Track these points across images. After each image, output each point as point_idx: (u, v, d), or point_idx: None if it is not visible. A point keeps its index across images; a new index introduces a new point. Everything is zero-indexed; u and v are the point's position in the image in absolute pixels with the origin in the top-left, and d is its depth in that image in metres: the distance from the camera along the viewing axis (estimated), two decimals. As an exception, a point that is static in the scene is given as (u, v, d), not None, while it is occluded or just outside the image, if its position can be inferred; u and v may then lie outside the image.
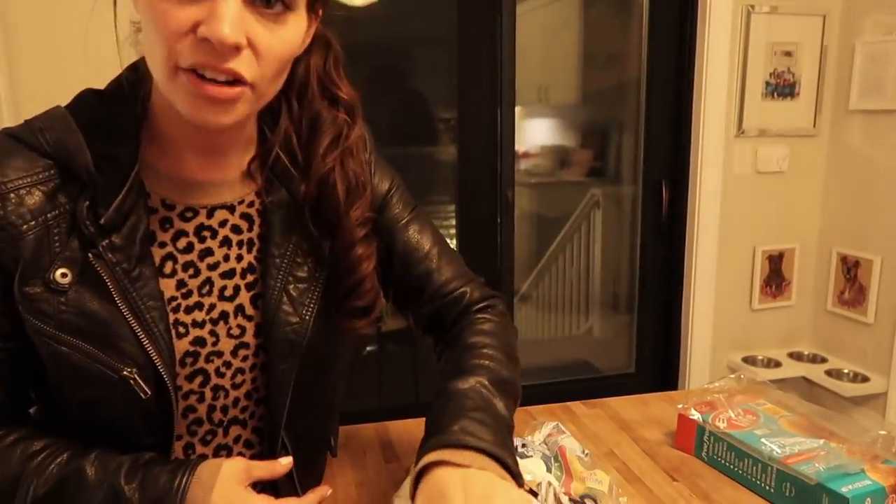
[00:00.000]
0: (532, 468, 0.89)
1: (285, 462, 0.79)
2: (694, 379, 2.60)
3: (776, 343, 2.63)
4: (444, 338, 0.90)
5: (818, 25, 2.44)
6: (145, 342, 0.69)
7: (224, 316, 0.76)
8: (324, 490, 0.84)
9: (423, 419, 1.18)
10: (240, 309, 0.77)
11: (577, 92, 3.66)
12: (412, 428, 1.15)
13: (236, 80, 0.63)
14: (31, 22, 1.83)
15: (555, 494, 0.84)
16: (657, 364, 2.73)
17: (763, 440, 0.93)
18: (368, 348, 2.62)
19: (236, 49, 0.61)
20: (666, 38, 2.54)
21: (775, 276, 2.59)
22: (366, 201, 0.80)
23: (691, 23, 2.45)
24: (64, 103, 0.72)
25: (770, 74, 2.43)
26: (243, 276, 0.77)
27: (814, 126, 2.50)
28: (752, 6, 2.38)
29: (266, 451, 0.83)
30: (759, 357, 2.59)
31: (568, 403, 1.22)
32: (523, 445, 0.94)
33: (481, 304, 0.91)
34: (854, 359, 2.48)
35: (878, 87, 2.31)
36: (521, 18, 2.37)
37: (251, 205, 0.78)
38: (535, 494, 0.83)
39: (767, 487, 0.91)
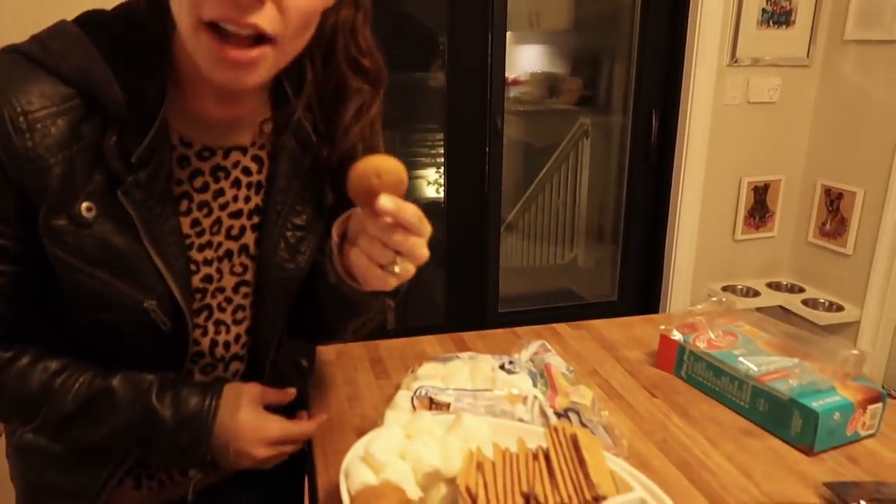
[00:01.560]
0: (519, 383, 0.92)
1: (291, 391, 0.85)
2: (675, 307, 2.66)
3: (757, 273, 2.69)
4: None
5: (818, -50, 2.39)
6: (166, 276, 0.70)
7: (229, 254, 0.78)
8: (322, 416, 0.89)
9: (414, 338, 1.21)
10: (244, 248, 0.79)
11: (569, 18, 3.58)
12: (402, 346, 1.19)
13: (259, 38, 0.61)
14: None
15: (540, 407, 0.88)
16: (640, 292, 2.79)
17: (740, 359, 0.97)
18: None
19: (259, 1, 0.59)
20: (662, -39, 2.48)
21: (759, 208, 2.62)
22: None
23: (689, -55, 2.39)
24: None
25: (767, 1, 2.40)
26: (249, 217, 0.79)
27: (807, 56, 2.48)
28: (752, -71, 2.32)
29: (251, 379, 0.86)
30: (739, 286, 2.65)
31: (553, 325, 1.25)
32: (510, 362, 0.98)
33: None
34: (831, 289, 2.55)
35: (875, 16, 2.28)
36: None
37: (262, 146, 0.79)
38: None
39: (742, 403, 0.95)
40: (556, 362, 0.99)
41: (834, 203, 2.49)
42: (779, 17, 2.42)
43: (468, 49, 2.39)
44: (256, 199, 0.79)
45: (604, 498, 0.67)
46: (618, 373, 1.08)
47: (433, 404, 0.90)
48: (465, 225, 2.55)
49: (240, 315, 0.81)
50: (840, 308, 2.47)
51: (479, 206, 2.54)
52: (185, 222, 0.74)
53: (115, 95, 0.64)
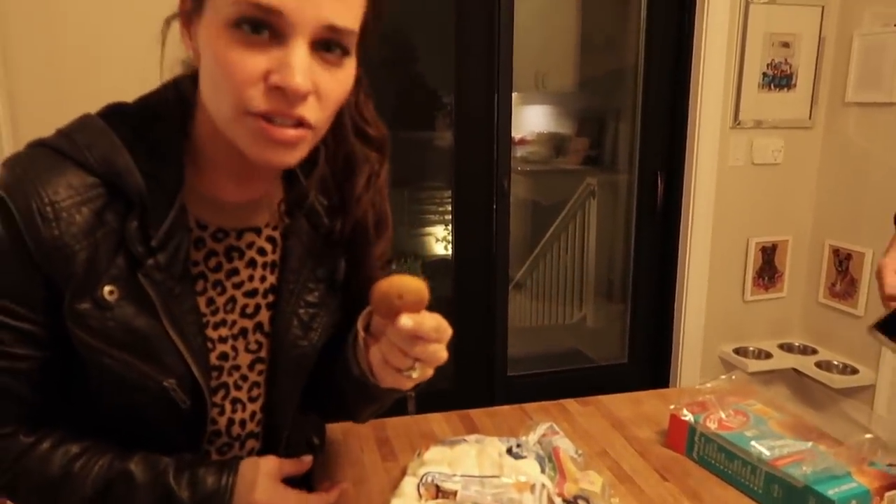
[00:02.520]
0: (527, 469, 0.91)
1: (307, 459, 0.86)
2: (686, 370, 2.63)
3: (768, 334, 2.67)
4: None
5: (816, 16, 2.44)
6: (185, 354, 0.72)
7: (244, 332, 0.80)
8: (345, 485, 0.90)
9: (421, 416, 1.20)
10: (258, 326, 0.81)
11: (574, 79, 3.66)
12: (409, 424, 1.17)
13: (301, 123, 0.64)
14: (31, 34, 1.82)
15: (548, 496, 0.86)
16: (649, 354, 2.77)
17: (753, 442, 0.95)
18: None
19: (306, 96, 0.62)
20: (664, 27, 2.54)
21: (768, 268, 2.61)
22: (388, 237, 0.84)
23: (689, 11, 2.45)
24: (60, 119, 0.72)
25: (767, 65, 2.44)
26: (264, 296, 0.81)
27: (809, 118, 2.51)
28: (751, -3, 2.38)
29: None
30: (751, 348, 2.62)
31: (562, 401, 1.24)
32: (518, 446, 0.96)
33: None
34: (844, 350, 2.52)
35: (875, 79, 2.32)
36: (519, 3, 2.36)
37: (276, 228, 0.81)
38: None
39: (756, 488, 0.93)
40: (565, 445, 0.98)
41: (843, 263, 2.48)
42: (780, 80, 2.46)
43: (475, 109, 2.43)
44: (272, 279, 0.81)
45: None
46: (628, 454, 1.06)
47: (440, 492, 0.88)
48: (473, 283, 2.55)
49: (255, 392, 0.82)
50: (854, 371, 2.44)
51: (487, 265, 2.54)
52: (201, 301, 0.76)
53: (137, 184, 0.67)
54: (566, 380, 2.78)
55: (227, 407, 0.81)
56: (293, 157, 0.67)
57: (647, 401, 1.24)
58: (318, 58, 0.63)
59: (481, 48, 2.37)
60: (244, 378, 0.81)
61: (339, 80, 0.66)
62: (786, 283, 2.63)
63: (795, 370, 2.57)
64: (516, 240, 2.94)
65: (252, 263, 0.79)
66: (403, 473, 1.01)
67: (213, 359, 0.77)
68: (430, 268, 2.83)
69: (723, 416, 1.02)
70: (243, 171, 0.75)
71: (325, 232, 0.81)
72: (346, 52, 0.65)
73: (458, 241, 2.56)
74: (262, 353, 0.82)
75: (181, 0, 0.67)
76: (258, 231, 0.80)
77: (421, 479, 0.90)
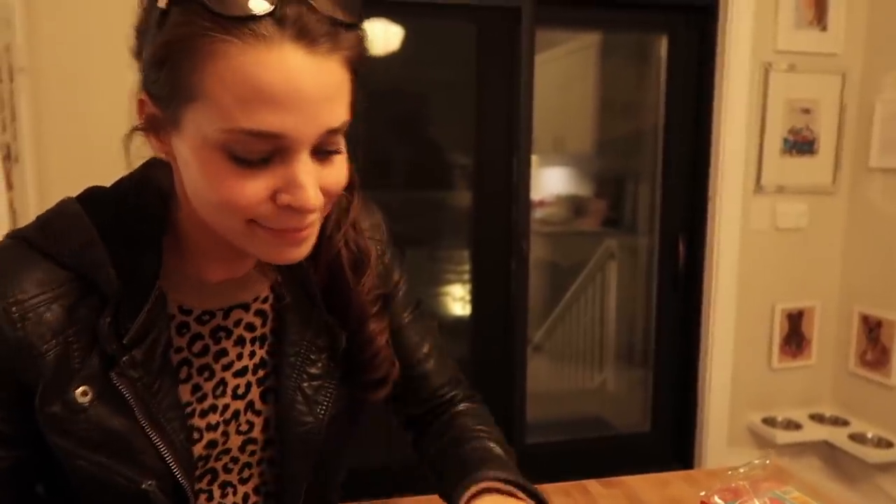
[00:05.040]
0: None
1: None
2: (711, 440, 2.52)
3: (796, 403, 2.56)
4: (426, 433, 0.90)
5: (837, 83, 2.42)
6: (165, 454, 0.67)
7: (236, 415, 0.75)
8: None
9: (434, 496, 1.13)
10: (250, 405, 0.75)
11: (592, 141, 3.66)
12: (420, 505, 1.10)
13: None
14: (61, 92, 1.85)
15: None
16: (673, 423, 2.66)
17: (793, 537, 0.87)
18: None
19: (317, 208, 0.59)
20: (684, 91, 2.53)
21: (795, 335, 2.52)
22: (373, 272, 0.78)
23: (709, 77, 2.44)
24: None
25: (788, 131, 2.41)
26: (255, 372, 0.76)
27: (833, 183, 2.47)
28: (771, 63, 2.37)
29: None
30: (779, 418, 2.51)
31: (583, 482, 1.16)
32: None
33: (465, 398, 0.92)
34: (878, 422, 2.40)
35: (899, 145, 2.28)
36: (539, 67, 2.38)
37: (265, 300, 0.76)
38: None
39: (797, 588, 0.85)
40: (588, 535, 0.90)
41: (873, 331, 2.39)
42: (802, 145, 2.43)
43: (494, 171, 2.43)
44: (261, 353, 0.76)
45: None
46: (655, 544, 0.98)
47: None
48: (492, 346, 2.50)
49: (246, 474, 0.77)
50: (889, 444, 2.31)
51: (506, 327, 2.49)
52: (186, 390, 0.71)
53: (110, 278, 0.63)
54: (587, 450, 2.68)
55: (216, 492, 0.75)
56: (307, 250, 0.64)
57: (674, 483, 1.16)
58: (317, 158, 0.59)
59: (501, 110, 2.38)
60: (235, 460, 0.75)
61: (339, 169, 0.62)
62: (814, 351, 2.54)
63: (827, 443, 2.45)
64: (535, 301, 2.88)
65: (240, 341, 0.74)
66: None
67: (199, 449, 0.72)
68: (448, 328, 2.78)
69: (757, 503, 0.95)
70: (230, 255, 0.71)
71: (312, 288, 0.76)
72: (339, 151, 0.62)
73: (477, 302, 2.52)
74: (254, 434, 0.76)
75: (139, 107, 0.61)
76: (246, 307, 0.75)
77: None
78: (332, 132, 0.58)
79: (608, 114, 3.43)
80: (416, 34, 2.36)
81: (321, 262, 0.74)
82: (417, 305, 0.89)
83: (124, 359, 0.64)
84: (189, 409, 0.71)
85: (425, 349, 0.88)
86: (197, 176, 0.58)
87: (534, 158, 2.46)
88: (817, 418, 2.51)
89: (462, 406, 0.91)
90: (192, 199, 0.63)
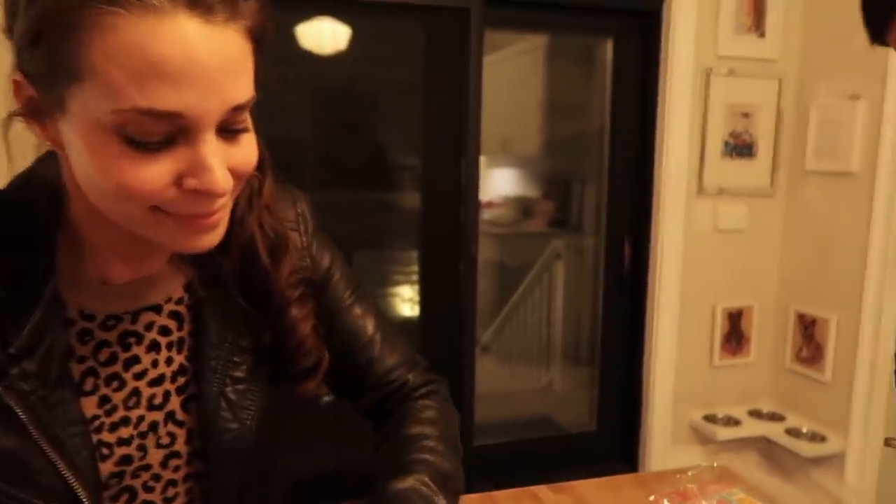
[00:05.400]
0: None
1: None
2: (655, 438, 2.55)
3: (736, 400, 2.61)
4: (383, 425, 0.84)
5: (775, 88, 2.48)
6: (66, 474, 0.60)
7: (153, 426, 0.68)
8: None
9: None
10: (170, 416, 0.68)
11: (540, 143, 3.67)
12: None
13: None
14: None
15: None
16: (619, 422, 2.68)
17: (742, 541, 0.86)
18: (326, 399, 2.52)
19: (227, 191, 0.55)
20: (629, 94, 2.55)
21: (735, 334, 2.57)
22: (291, 258, 0.73)
23: (653, 81, 2.47)
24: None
25: (729, 134, 2.45)
26: (173, 380, 0.69)
27: (771, 185, 2.52)
28: (712, 68, 2.41)
29: None
30: (720, 415, 2.55)
31: (533, 488, 1.14)
32: (487, 546, 0.86)
33: (423, 391, 0.85)
34: (812, 417, 2.46)
35: (833, 148, 2.34)
36: (487, 69, 2.36)
37: (180, 301, 0.70)
38: None
39: (746, 592, 0.84)
40: (539, 545, 0.88)
41: (808, 329, 2.45)
42: (741, 149, 2.48)
43: (442, 172, 2.40)
44: (180, 359, 0.69)
45: None
46: (606, 550, 0.97)
47: None
48: (440, 347, 2.47)
49: (171, 492, 0.70)
50: (823, 438, 2.38)
51: (454, 328, 2.46)
52: (91, 402, 0.64)
53: None
54: (534, 450, 2.67)
55: None
56: (219, 236, 0.59)
57: (623, 486, 1.15)
58: (224, 137, 0.55)
59: (450, 112, 2.35)
60: (156, 478, 0.68)
61: (247, 148, 0.57)
62: (753, 349, 2.59)
63: (765, 438, 2.50)
64: (482, 302, 2.86)
65: (154, 346, 0.68)
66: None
67: (110, 466, 0.65)
68: (396, 330, 2.73)
69: (706, 507, 0.94)
70: (135, 250, 0.65)
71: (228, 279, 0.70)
72: (247, 128, 0.57)
73: (426, 303, 2.49)
74: (177, 447, 0.69)
75: (15, 89, 0.54)
76: (157, 309, 0.68)
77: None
78: (238, 109, 0.54)
79: (555, 116, 3.44)
80: (364, 34, 2.31)
81: (234, 247, 0.68)
82: (357, 289, 0.83)
83: (13, 370, 0.57)
84: (96, 424, 0.64)
85: (368, 334, 0.82)
86: (89, 164, 0.53)
87: (482, 159, 2.43)
88: (756, 414, 2.56)
89: (418, 400, 0.84)
90: (85, 191, 0.56)
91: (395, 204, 2.60)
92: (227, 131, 0.55)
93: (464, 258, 2.41)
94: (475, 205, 2.41)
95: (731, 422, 2.52)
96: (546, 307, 3.29)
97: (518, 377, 3.39)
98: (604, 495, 1.12)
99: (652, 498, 0.97)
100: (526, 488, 1.14)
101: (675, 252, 2.48)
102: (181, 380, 0.69)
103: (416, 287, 2.54)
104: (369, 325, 0.82)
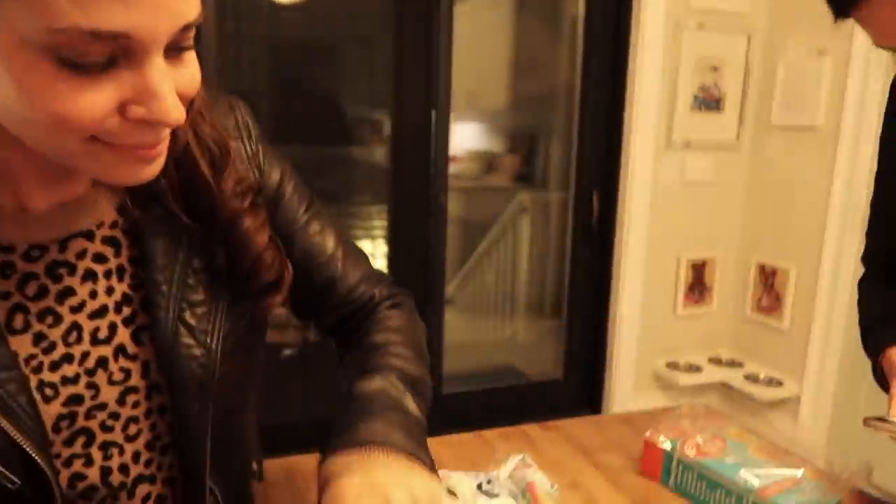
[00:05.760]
0: (503, 509, 0.79)
1: None
2: (619, 386, 2.59)
3: (698, 348, 2.66)
4: (349, 341, 0.80)
5: (743, 43, 2.47)
6: (3, 423, 0.54)
7: (102, 362, 0.61)
8: None
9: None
10: (120, 350, 0.62)
11: (506, 97, 3.62)
12: (359, 457, 1.03)
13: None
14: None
15: (531, 541, 0.75)
16: (584, 370, 2.71)
17: (741, 470, 0.87)
18: (287, 352, 2.49)
19: (179, 120, 0.49)
20: (599, 48, 2.51)
21: (698, 284, 2.61)
22: (234, 168, 0.67)
23: (624, 34, 2.43)
24: None
25: (699, 88, 2.45)
26: (118, 311, 0.62)
27: (737, 139, 2.53)
28: (683, 21, 2.38)
29: (185, 501, 0.68)
30: (682, 362, 2.60)
31: (522, 427, 1.13)
32: (489, 482, 0.85)
33: (388, 303, 0.82)
34: (770, 363, 2.53)
35: (799, 104, 2.36)
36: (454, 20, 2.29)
37: (115, 225, 0.62)
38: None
39: (742, 520, 0.85)
40: (540, 479, 0.87)
41: (769, 279, 2.50)
42: (709, 102, 2.47)
43: (410, 126, 2.34)
44: (122, 288, 0.62)
45: None
46: (601, 485, 0.96)
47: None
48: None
49: (133, 429, 0.63)
50: (780, 383, 2.45)
51: (423, 282, 2.44)
52: (25, 341, 0.58)
53: None
54: (503, 398, 2.69)
55: (97, 455, 0.62)
56: (159, 167, 0.53)
57: (611, 425, 1.15)
58: (169, 58, 0.49)
59: (419, 64, 2.29)
60: (115, 416, 0.62)
61: (193, 67, 0.52)
62: (715, 299, 2.64)
63: (724, 383, 2.57)
64: (448, 255, 2.85)
65: (90, 276, 0.61)
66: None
67: (56, 407, 0.59)
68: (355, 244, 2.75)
69: (700, 441, 0.94)
70: (54, 174, 0.57)
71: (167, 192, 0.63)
72: (191, 47, 0.51)
73: (394, 257, 2.45)
74: (133, 382, 0.62)
75: None
76: (90, 235, 0.61)
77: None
78: (187, 27, 0.48)
79: (522, 71, 3.38)
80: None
81: (169, 160, 0.60)
82: (311, 204, 0.77)
83: None
84: (33, 364, 0.58)
85: (329, 251, 0.77)
86: (12, 88, 0.45)
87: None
88: (716, 361, 2.62)
89: (384, 311, 0.80)
90: (1, 119, 0.49)
91: (359, 159, 2.55)
92: (173, 50, 0.49)
93: (433, 211, 2.38)
94: (445, 159, 2.36)
95: (693, 368, 2.57)
96: (511, 260, 3.29)
97: (482, 329, 3.40)
98: (592, 433, 1.11)
99: (648, 433, 0.97)
100: (516, 426, 1.13)
101: (643, 204, 2.48)
102: (127, 310, 0.62)
103: (382, 242, 2.51)
104: (329, 242, 0.77)
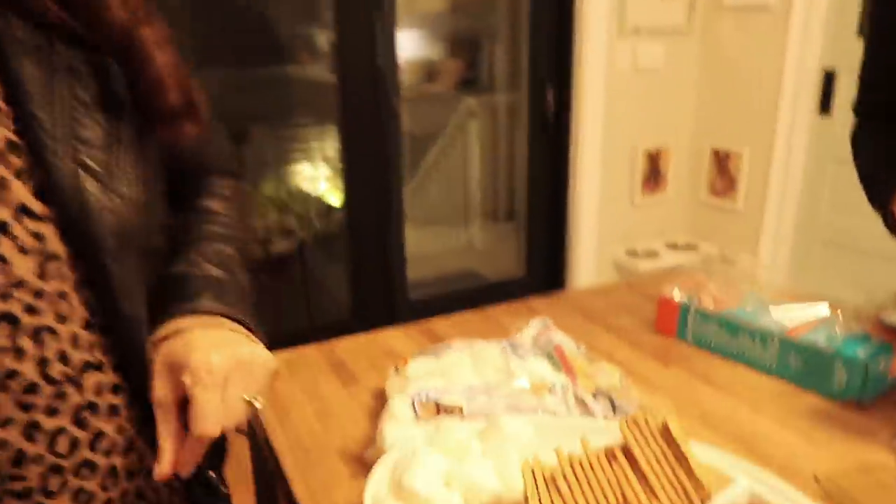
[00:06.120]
0: (539, 370, 0.74)
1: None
2: (581, 275, 2.59)
3: (654, 234, 2.68)
4: (177, 200, 0.72)
5: (691, -80, 2.38)
6: None
7: (2, 227, 0.50)
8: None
9: (374, 334, 1.00)
10: (22, 210, 0.51)
11: (443, 0, 3.44)
12: (362, 344, 0.97)
13: None
14: None
15: (575, 395, 0.70)
16: (545, 265, 2.70)
17: (768, 314, 0.84)
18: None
19: None
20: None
21: (654, 173, 2.60)
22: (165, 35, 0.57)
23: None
24: None
25: (648, -30, 2.36)
26: (5, 162, 0.50)
27: (688, 23, 2.47)
28: None
29: (140, 387, 0.56)
30: (640, 250, 2.62)
31: (527, 301, 1.09)
32: (514, 347, 0.79)
33: (221, 173, 0.77)
34: (724, 244, 2.57)
35: (748, -18, 2.30)
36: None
37: None
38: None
39: (768, 363, 0.83)
40: (565, 341, 0.82)
41: (723, 163, 2.51)
42: (659, -15, 2.39)
43: (355, 37, 2.20)
44: (6, 133, 0.51)
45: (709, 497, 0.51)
46: (618, 345, 0.93)
47: (441, 409, 0.70)
48: (366, 214, 2.37)
49: (64, 308, 0.53)
50: (734, 262, 2.50)
51: (381, 196, 2.36)
52: None
53: None
54: (469, 298, 2.66)
55: (27, 344, 0.51)
56: None
57: (618, 291, 1.11)
58: None
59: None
60: (38, 294, 0.51)
61: None
62: (670, 186, 2.64)
63: (681, 266, 2.60)
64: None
65: None
66: (376, 397, 0.82)
67: None
68: (318, 208, 2.64)
69: (716, 292, 0.91)
70: None
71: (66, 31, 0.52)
72: None
73: (348, 173, 2.35)
74: (52, 247, 0.52)
75: None
76: None
77: (415, 398, 0.70)
78: None
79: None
80: None
81: None
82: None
83: None
84: None
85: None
86: None
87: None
88: (672, 246, 2.65)
89: (211, 179, 0.75)
90: None
91: (296, 77, 2.39)
92: None
93: (385, 118, 2.29)
94: (393, 62, 2.28)
95: (651, 254, 2.59)
96: (462, 167, 3.21)
97: (437, 239, 3.34)
98: (598, 299, 1.08)
99: (673, 289, 0.93)
100: (520, 301, 1.08)
101: (597, 95, 2.42)
102: (16, 160, 0.51)
103: (332, 162, 2.39)
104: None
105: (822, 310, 0.83)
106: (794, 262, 2.39)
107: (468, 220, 3.26)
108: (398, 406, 0.70)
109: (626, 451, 0.55)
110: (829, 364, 0.77)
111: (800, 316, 0.83)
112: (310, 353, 0.94)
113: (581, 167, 2.49)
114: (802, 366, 0.80)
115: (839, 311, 0.82)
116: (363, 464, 0.68)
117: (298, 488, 0.67)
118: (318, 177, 2.67)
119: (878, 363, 0.75)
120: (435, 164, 3.32)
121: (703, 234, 2.65)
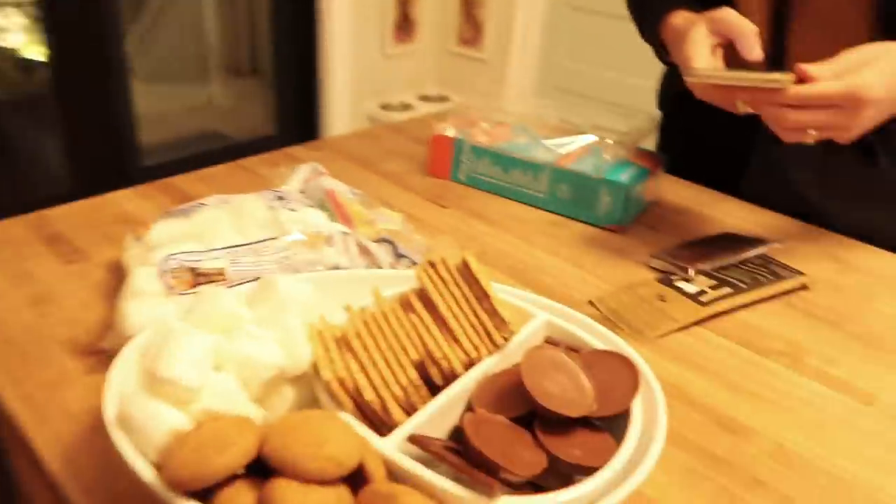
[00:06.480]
0: (313, 220, 0.64)
1: None
2: (335, 131, 2.48)
3: (406, 87, 2.62)
4: None
5: None
6: None
7: None
8: None
9: (99, 198, 0.82)
10: None
11: None
12: (85, 211, 0.78)
13: None
14: None
15: (357, 242, 0.62)
16: (297, 123, 2.52)
17: (537, 146, 0.82)
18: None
19: None
20: None
21: (405, 21, 2.49)
22: None
23: None
24: None
25: None
26: None
27: None
28: None
29: None
30: (394, 102, 2.55)
31: (287, 150, 0.96)
32: (280, 198, 0.68)
33: None
34: (472, 93, 2.61)
35: None
36: None
37: None
38: None
39: (538, 194, 0.82)
40: (338, 187, 0.72)
41: (471, 11, 2.47)
42: None
43: None
44: None
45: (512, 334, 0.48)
46: (390, 190, 0.85)
47: (198, 276, 0.57)
48: (77, 71, 1.97)
49: None
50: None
51: (96, 47, 1.96)
52: None
53: None
54: (214, 161, 2.40)
55: None
56: None
57: (382, 136, 1.03)
58: None
59: None
60: None
61: None
62: (420, 35, 2.56)
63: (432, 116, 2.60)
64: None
65: None
66: (111, 273, 0.66)
67: None
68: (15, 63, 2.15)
69: (487, 127, 0.87)
70: None
71: None
72: None
73: (50, 17, 1.89)
74: None
75: None
76: None
77: (161, 268, 0.56)
78: None
79: None
80: None
81: None
82: None
83: None
84: None
85: None
86: None
87: None
88: (424, 98, 2.62)
89: None
90: None
91: None
92: None
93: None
94: None
95: (405, 107, 2.54)
96: (196, 13, 2.78)
97: (172, 97, 2.93)
98: (366, 146, 0.98)
99: (444, 127, 0.86)
100: (280, 150, 0.95)
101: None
102: None
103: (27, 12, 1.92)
104: None
105: (588, 140, 0.83)
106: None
107: (207, 76, 2.89)
108: (142, 279, 0.56)
109: (424, 298, 0.48)
110: (595, 190, 0.78)
111: (568, 147, 0.82)
112: (11, 228, 0.73)
113: (331, 17, 2.29)
114: (571, 194, 0.80)
115: (605, 140, 0.82)
116: (101, 356, 0.54)
117: (11, 396, 0.51)
118: (8, 27, 2.13)
119: (636, 187, 0.78)
120: (161, 8, 2.83)
121: (453, 85, 2.65)
